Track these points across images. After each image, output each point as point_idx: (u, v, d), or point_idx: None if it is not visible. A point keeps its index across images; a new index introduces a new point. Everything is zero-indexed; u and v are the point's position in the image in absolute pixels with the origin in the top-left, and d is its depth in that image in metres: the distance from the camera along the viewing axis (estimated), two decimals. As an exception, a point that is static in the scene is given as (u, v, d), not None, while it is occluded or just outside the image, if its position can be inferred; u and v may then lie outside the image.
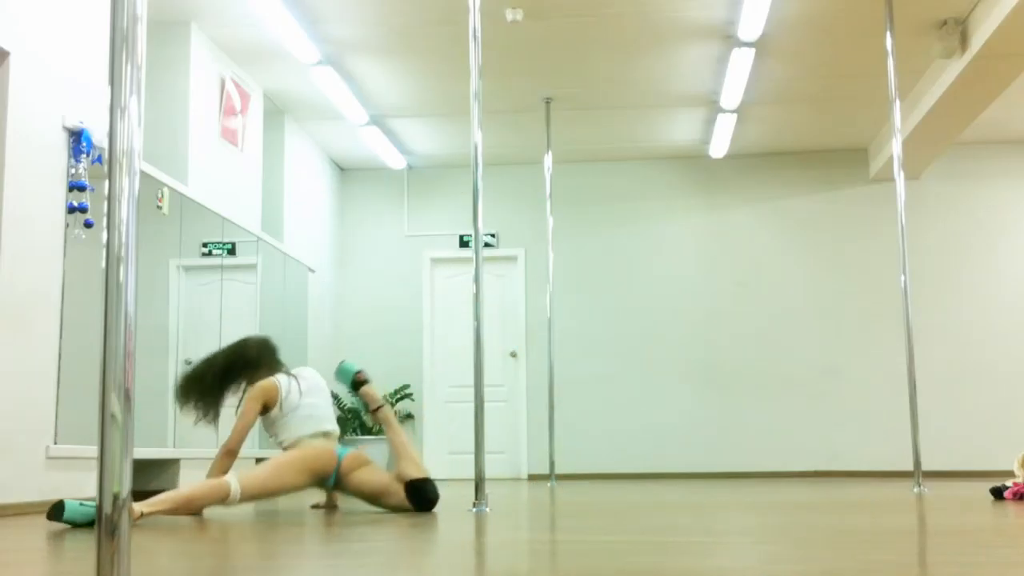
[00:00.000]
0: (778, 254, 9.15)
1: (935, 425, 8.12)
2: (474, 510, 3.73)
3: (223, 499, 3.49)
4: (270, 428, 3.94)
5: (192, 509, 3.50)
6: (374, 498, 3.86)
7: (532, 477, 8.99)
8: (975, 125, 7.92)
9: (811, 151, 9.19)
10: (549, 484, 7.25)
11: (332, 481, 3.80)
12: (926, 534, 2.56)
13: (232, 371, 4.04)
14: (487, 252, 4.27)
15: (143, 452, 5.13)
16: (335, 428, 3.97)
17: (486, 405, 4.07)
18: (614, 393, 8.97)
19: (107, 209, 1.34)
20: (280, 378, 3.96)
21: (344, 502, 4.35)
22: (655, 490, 5.89)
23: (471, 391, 4.01)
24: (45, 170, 4.47)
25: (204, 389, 3.97)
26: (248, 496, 3.56)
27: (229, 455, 3.78)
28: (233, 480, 3.52)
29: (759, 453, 8.80)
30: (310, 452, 3.75)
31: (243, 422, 3.83)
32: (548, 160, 7.87)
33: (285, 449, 3.86)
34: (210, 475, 3.72)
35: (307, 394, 3.94)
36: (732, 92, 7.50)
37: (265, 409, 3.89)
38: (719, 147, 8.85)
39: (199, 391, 3.97)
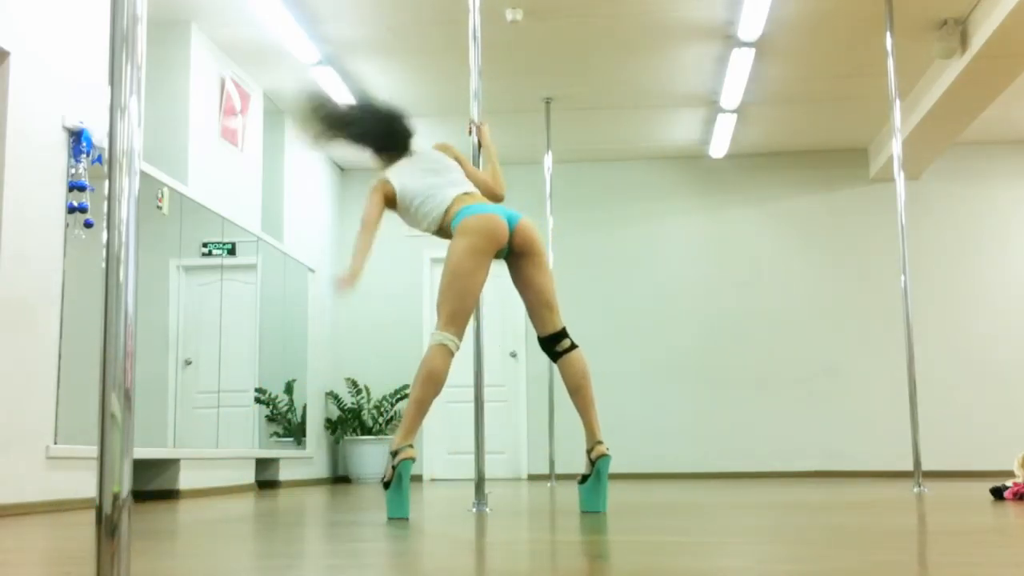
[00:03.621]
0: (778, 254, 9.15)
1: (935, 425, 8.12)
2: (474, 510, 3.73)
3: (451, 356, 3.39)
4: (411, 222, 3.75)
5: (436, 385, 3.37)
6: (530, 306, 3.64)
7: (532, 477, 8.99)
8: (975, 125, 7.92)
9: (811, 151, 9.19)
10: (549, 484, 7.25)
11: (507, 251, 3.58)
12: (926, 534, 2.56)
13: (364, 136, 3.83)
14: (487, 252, 4.22)
15: (143, 452, 5.13)
16: (472, 189, 3.69)
17: (486, 405, 4.06)
18: (614, 393, 8.96)
19: (107, 209, 1.33)
20: (392, 172, 3.73)
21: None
22: (655, 490, 5.89)
23: (471, 391, 4.00)
24: (45, 170, 4.47)
25: (331, 127, 3.79)
26: (456, 324, 3.41)
27: (366, 231, 3.63)
28: (440, 338, 3.39)
29: (759, 453, 8.80)
30: (468, 229, 3.47)
31: (367, 216, 3.67)
32: (548, 160, 7.86)
33: (437, 232, 3.68)
34: (355, 256, 3.56)
35: (426, 175, 3.68)
36: (732, 92, 7.50)
37: (389, 203, 3.71)
38: (719, 147, 8.85)
39: (328, 125, 3.80)
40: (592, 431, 3.51)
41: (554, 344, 3.62)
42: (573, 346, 3.62)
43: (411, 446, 3.36)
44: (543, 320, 3.63)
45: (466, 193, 3.63)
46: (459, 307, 3.45)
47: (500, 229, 3.49)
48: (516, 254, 3.60)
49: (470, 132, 3.99)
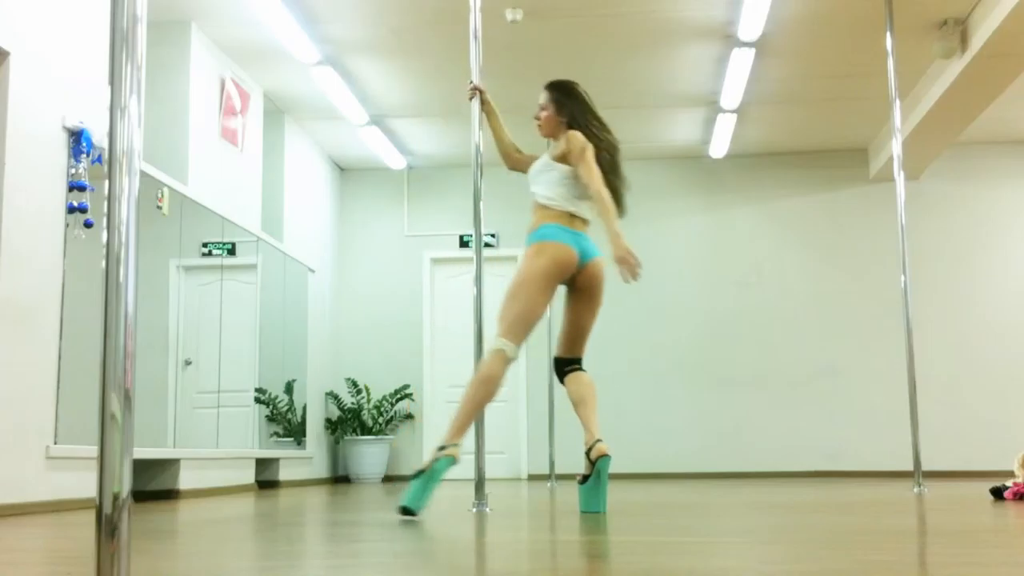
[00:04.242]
0: (778, 254, 9.15)
1: (935, 425, 8.12)
2: (474, 510, 3.73)
3: (507, 363, 3.50)
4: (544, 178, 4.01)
5: (491, 388, 3.50)
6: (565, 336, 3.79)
7: (532, 477, 8.99)
8: (975, 125, 7.92)
9: (811, 151, 9.19)
10: (549, 484, 7.25)
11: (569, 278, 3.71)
12: (926, 534, 2.56)
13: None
14: (487, 252, 4.27)
15: (143, 452, 5.13)
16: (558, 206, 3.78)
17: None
18: (614, 393, 8.95)
19: (107, 209, 1.34)
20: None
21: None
22: (655, 490, 5.89)
23: (471, 391, 4.00)
24: (45, 170, 4.47)
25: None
26: (515, 333, 3.52)
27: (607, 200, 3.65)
28: (499, 344, 3.50)
29: (759, 453, 8.80)
30: (549, 252, 3.63)
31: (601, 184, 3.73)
32: (548, 160, 7.85)
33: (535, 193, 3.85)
34: (614, 228, 3.57)
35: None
36: (732, 92, 7.50)
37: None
38: (719, 147, 8.85)
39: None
40: (592, 430, 3.52)
41: (566, 365, 3.75)
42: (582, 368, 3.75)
43: (457, 446, 3.40)
44: (568, 346, 3.77)
45: (573, 215, 3.77)
46: (520, 320, 3.57)
47: (572, 265, 3.64)
48: (577, 287, 3.72)
49: (471, 97, 4.16)
